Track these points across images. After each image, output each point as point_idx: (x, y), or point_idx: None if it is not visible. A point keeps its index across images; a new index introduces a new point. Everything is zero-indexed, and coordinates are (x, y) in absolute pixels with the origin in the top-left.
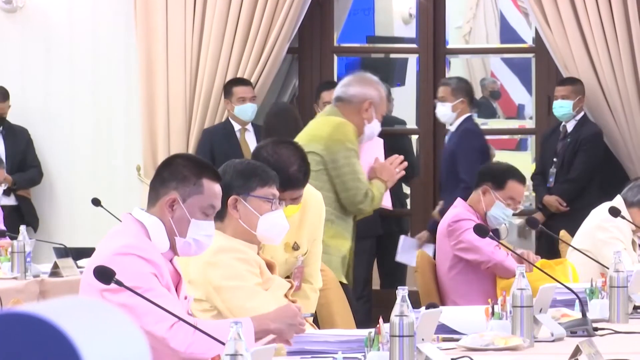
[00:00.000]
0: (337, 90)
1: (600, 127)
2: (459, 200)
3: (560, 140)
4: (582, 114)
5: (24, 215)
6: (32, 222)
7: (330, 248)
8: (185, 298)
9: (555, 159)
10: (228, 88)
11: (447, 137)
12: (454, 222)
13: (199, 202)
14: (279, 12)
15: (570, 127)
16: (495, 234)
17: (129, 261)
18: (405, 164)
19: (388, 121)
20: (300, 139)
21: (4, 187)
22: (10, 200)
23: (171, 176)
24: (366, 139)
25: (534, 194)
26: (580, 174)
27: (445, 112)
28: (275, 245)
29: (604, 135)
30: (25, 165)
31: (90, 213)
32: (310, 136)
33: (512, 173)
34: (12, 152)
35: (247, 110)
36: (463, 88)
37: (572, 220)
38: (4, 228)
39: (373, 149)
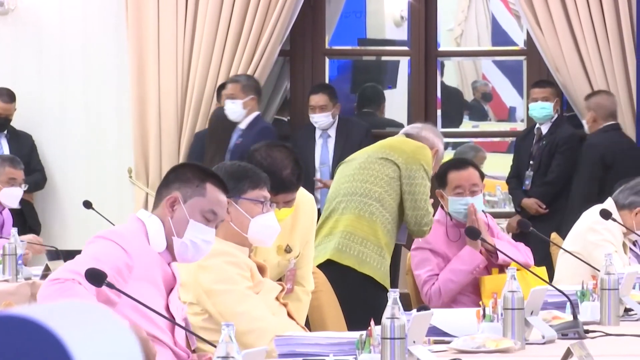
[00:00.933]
0: (409, 129)
1: (575, 129)
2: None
3: (536, 143)
4: (556, 116)
5: (26, 220)
6: (35, 227)
7: (384, 252)
8: (178, 299)
9: (531, 162)
10: (219, 91)
11: (235, 135)
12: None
13: (199, 205)
14: (271, 15)
15: (545, 129)
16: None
17: (103, 243)
18: None
19: (381, 123)
20: (382, 146)
21: (24, 187)
22: None
23: (175, 178)
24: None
25: (510, 197)
26: (558, 176)
27: (235, 109)
28: (267, 247)
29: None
30: (30, 169)
31: (82, 216)
32: (392, 147)
33: (447, 165)
34: (17, 156)
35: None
36: (253, 86)
37: (551, 221)
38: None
39: None
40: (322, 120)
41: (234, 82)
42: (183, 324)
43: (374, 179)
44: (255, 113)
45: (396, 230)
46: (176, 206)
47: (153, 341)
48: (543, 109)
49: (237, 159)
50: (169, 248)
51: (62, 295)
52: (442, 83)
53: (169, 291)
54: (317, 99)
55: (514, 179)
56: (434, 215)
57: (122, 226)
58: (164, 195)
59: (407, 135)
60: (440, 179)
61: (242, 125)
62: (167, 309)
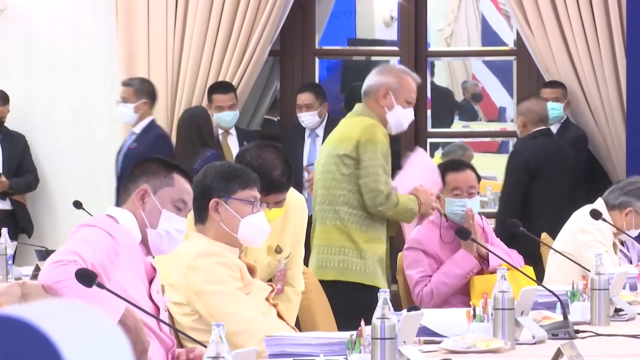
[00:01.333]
0: (363, 86)
1: (584, 130)
2: None
3: None
4: (566, 116)
5: (18, 220)
6: (27, 227)
7: (365, 253)
8: (158, 292)
9: None
10: (209, 94)
11: (129, 139)
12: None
13: (170, 194)
14: (261, 15)
15: (554, 129)
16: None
17: (91, 230)
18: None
19: None
20: (332, 139)
21: None
22: (6, 205)
23: (142, 172)
24: (394, 128)
25: None
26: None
27: (127, 112)
28: (258, 247)
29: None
30: (22, 170)
31: (73, 216)
32: (341, 138)
33: (445, 166)
34: (9, 156)
35: (224, 119)
36: (146, 89)
37: (559, 222)
38: None
39: (424, 171)
40: (309, 119)
41: (127, 86)
42: (167, 314)
43: (335, 182)
44: (150, 118)
45: (377, 219)
46: (146, 198)
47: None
48: (554, 110)
49: (130, 163)
50: (143, 241)
51: (68, 275)
52: (432, 83)
53: (150, 281)
54: (303, 98)
55: None
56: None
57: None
58: (132, 190)
59: (363, 95)
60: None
61: (137, 130)
62: (150, 297)
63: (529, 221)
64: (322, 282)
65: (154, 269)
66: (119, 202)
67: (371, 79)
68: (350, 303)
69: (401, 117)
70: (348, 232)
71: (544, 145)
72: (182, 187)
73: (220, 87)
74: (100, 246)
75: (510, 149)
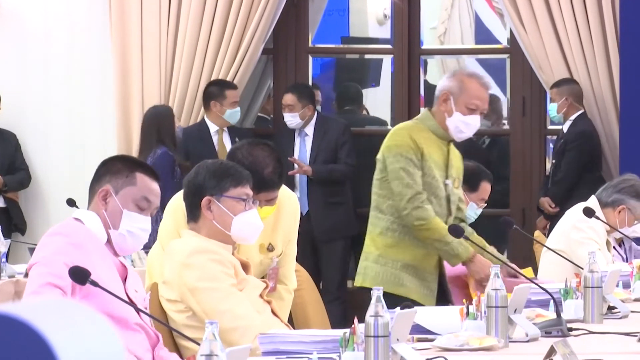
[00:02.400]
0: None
1: (589, 127)
2: None
3: (557, 142)
4: (577, 114)
5: (12, 218)
6: (20, 225)
7: (384, 258)
8: (137, 291)
9: (553, 161)
10: (219, 90)
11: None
12: None
13: (131, 194)
14: (254, 13)
15: (565, 128)
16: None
17: (53, 240)
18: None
19: (362, 121)
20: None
21: None
22: None
23: (106, 171)
24: (454, 135)
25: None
26: (565, 175)
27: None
28: (250, 245)
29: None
30: (14, 168)
31: (66, 214)
32: (384, 141)
33: (485, 174)
34: (1, 155)
35: (236, 114)
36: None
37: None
38: None
39: None
40: (290, 120)
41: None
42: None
43: (373, 186)
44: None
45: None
46: (109, 198)
47: (128, 325)
48: (550, 111)
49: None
50: (109, 241)
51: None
52: (426, 81)
53: (124, 280)
54: (286, 98)
55: (545, 179)
56: None
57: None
58: (97, 190)
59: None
60: (471, 182)
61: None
62: (127, 296)
63: None
64: (361, 288)
65: (125, 267)
66: (89, 202)
67: (439, 83)
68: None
69: (460, 124)
70: (373, 238)
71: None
72: (145, 185)
73: (230, 83)
74: (70, 258)
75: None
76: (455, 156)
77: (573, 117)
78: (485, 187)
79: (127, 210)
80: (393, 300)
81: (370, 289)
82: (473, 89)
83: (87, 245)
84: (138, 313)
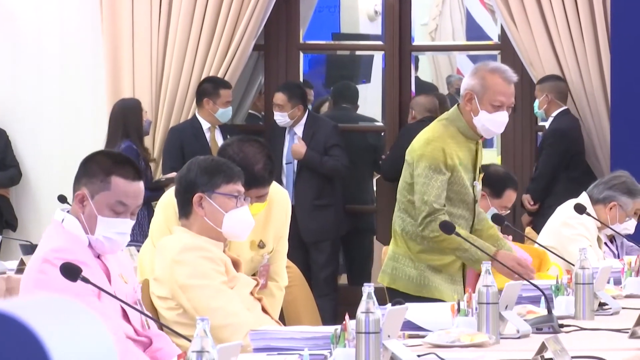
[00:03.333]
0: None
1: (569, 124)
2: None
3: (541, 139)
4: (558, 111)
5: (3, 214)
6: (11, 221)
7: (417, 262)
8: (126, 282)
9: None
10: (213, 89)
11: None
12: None
13: (106, 199)
14: (245, 9)
15: (547, 125)
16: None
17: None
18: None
19: (356, 119)
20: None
21: None
22: None
23: (83, 173)
24: (483, 133)
25: None
26: (541, 171)
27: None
28: (241, 243)
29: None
30: (4, 165)
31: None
32: (414, 141)
33: (510, 181)
34: None
35: (228, 113)
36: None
37: (540, 217)
38: None
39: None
40: (279, 119)
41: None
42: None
43: (401, 188)
44: None
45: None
46: (85, 202)
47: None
48: (535, 107)
49: None
50: (90, 244)
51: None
52: (417, 78)
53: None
54: (276, 97)
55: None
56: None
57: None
58: (75, 191)
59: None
60: (495, 188)
61: None
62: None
63: None
64: (388, 289)
65: (107, 267)
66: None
67: (463, 81)
68: None
69: (487, 122)
70: (403, 239)
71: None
72: (120, 190)
73: (225, 82)
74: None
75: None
76: (481, 150)
77: (555, 113)
78: (510, 196)
79: (102, 217)
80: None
81: (399, 292)
82: (496, 85)
83: (73, 248)
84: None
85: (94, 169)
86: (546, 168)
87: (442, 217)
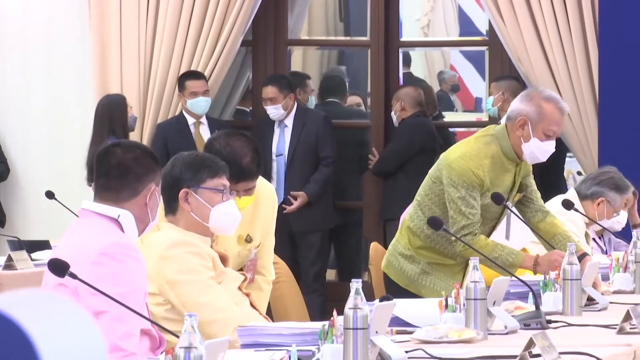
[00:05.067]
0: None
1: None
2: None
3: None
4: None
5: None
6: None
7: (412, 257)
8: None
9: None
10: (181, 82)
11: None
12: None
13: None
14: (233, 5)
15: (503, 122)
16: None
17: (127, 267)
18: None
19: (345, 113)
20: (452, 147)
21: None
22: None
23: (147, 169)
24: (528, 159)
25: None
26: None
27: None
28: (229, 236)
29: None
30: None
31: (45, 206)
32: (452, 148)
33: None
34: None
35: (199, 104)
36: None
37: None
38: None
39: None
40: (273, 112)
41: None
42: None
43: (424, 182)
44: None
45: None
46: (153, 197)
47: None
48: (487, 103)
49: None
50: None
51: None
52: (410, 74)
53: None
54: (267, 91)
55: None
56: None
57: (102, 230)
58: (140, 190)
59: (507, 117)
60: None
61: None
62: None
63: None
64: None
65: None
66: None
67: (515, 104)
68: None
69: (536, 150)
70: (410, 230)
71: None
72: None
73: (193, 74)
74: (138, 284)
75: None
76: (525, 169)
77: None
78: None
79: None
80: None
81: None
82: (552, 115)
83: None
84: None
85: (152, 165)
86: None
87: (477, 231)
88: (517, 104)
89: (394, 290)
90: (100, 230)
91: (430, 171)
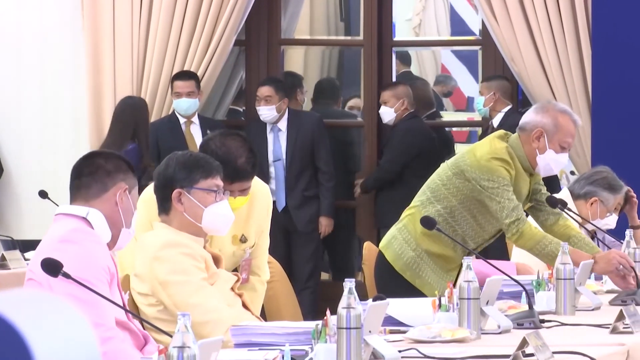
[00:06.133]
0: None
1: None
2: None
3: (484, 134)
4: (507, 108)
5: None
6: None
7: (414, 244)
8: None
9: None
10: (170, 81)
11: None
12: None
13: (136, 195)
14: (226, 5)
15: (496, 122)
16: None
17: (76, 249)
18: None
19: (338, 115)
20: (468, 149)
21: None
22: None
23: (116, 168)
24: (542, 171)
25: None
26: None
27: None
28: (222, 237)
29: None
30: None
31: (38, 205)
32: (469, 149)
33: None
34: None
35: (180, 105)
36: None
37: None
38: None
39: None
40: (266, 113)
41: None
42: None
43: (440, 169)
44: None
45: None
46: (124, 198)
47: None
48: (478, 103)
49: None
50: (112, 238)
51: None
52: (409, 73)
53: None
54: (263, 90)
55: None
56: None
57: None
58: (109, 186)
59: (519, 128)
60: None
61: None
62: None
63: None
64: (379, 252)
65: (115, 266)
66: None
67: (529, 116)
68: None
69: (551, 162)
70: (414, 216)
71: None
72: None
73: (182, 75)
74: (101, 264)
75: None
76: (535, 179)
77: (504, 110)
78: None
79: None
80: (405, 287)
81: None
82: (567, 127)
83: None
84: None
85: (125, 167)
86: None
87: (524, 221)
88: (533, 116)
89: (386, 272)
90: (62, 225)
91: (450, 163)
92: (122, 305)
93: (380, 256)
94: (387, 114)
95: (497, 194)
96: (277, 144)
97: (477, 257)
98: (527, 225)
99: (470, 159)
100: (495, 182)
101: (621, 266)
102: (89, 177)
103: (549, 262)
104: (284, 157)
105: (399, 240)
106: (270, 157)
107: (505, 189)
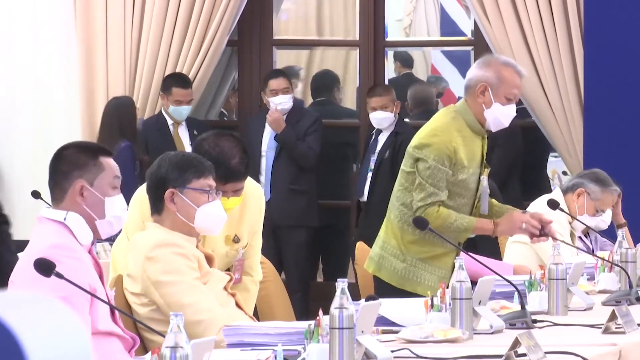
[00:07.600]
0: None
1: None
2: None
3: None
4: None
5: None
6: None
7: (403, 255)
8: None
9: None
10: (168, 85)
11: None
12: None
13: (106, 180)
14: (219, 5)
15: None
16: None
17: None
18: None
19: (336, 112)
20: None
21: None
22: None
23: (71, 167)
24: (492, 126)
25: None
26: (498, 170)
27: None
28: (215, 237)
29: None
30: None
31: (31, 206)
32: (419, 131)
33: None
34: None
35: (181, 112)
36: None
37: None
38: None
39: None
40: (284, 101)
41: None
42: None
43: (399, 177)
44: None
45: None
46: (85, 192)
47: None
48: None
49: None
50: (93, 232)
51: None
52: (410, 74)
53: (101, 277)
54: (279, 82)
55: None
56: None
57: (49, 234)
58: (66, 187)
59: (464, 88)
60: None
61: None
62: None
63: None
64: (374, 277)
65: (98, 264)
66: (57, 200)
67: (471, 73)
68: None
69: (499, 115)
70: (393, 228)
71: None
72: (110, 166)
73: (181, 81)
74: (80, 283)
75: None
76: (486, 146)
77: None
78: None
79: (108, 197)
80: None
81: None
82: (511, 78)
83: (81, 256)
84: (113, 314)
85: (82, 159)
86: (502, 164)
87: (437, 205)
88: (476, 72)
89: (388, 292)
90: (44, 235)
91: (403, 165)
92: (109, 305)
93: (377, 280)
94: (387, 119)
95: (421, 177)
96: (272, 136)
97: (468, 254)
98: (434, 208)
99: (413, 144)
100: (426, 162)
101: (524, 225)
102: (50, 181)
103: (461, 238)
104: (275, 149)
105: (388, 259)
106: (264, 147)
107: (432, 170)
